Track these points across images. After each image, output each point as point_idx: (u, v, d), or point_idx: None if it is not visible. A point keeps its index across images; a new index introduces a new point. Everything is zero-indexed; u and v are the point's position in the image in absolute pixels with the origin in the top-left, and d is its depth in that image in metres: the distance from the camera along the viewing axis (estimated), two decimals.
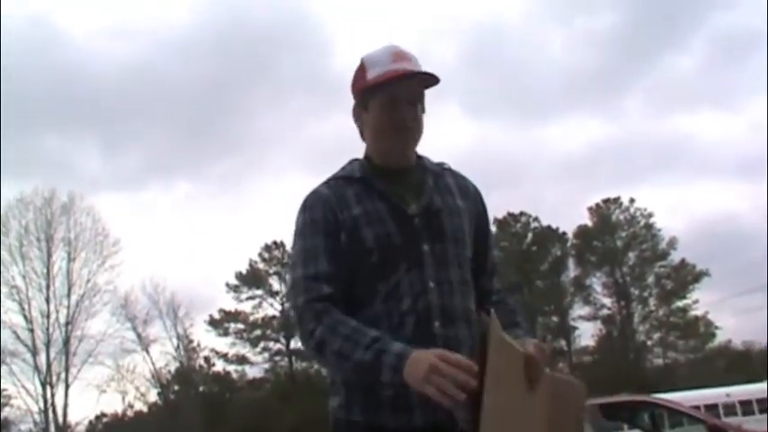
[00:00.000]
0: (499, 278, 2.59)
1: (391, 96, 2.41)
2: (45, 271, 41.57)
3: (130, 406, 47.78)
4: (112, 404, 62.15)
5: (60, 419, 40.85)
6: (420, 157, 2.54)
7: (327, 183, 2.47)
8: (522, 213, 52.82)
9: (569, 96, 66.43)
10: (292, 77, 63.86)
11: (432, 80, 2.42)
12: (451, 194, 2.48)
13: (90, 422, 48.02)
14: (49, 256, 41.77)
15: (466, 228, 2.45)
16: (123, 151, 63.36)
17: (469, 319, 2.36)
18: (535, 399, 2.19)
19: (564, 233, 53.58)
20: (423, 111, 2.47)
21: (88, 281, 42.05)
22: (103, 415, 48.92)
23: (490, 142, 65.12)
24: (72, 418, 43.11)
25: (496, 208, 57.47)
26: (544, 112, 69.20)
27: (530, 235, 53.22)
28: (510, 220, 52.07)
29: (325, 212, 2.39)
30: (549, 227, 53.29)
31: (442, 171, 2.54)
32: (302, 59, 63.40)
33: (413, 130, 2.44)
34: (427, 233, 2.37)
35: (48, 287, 41.44)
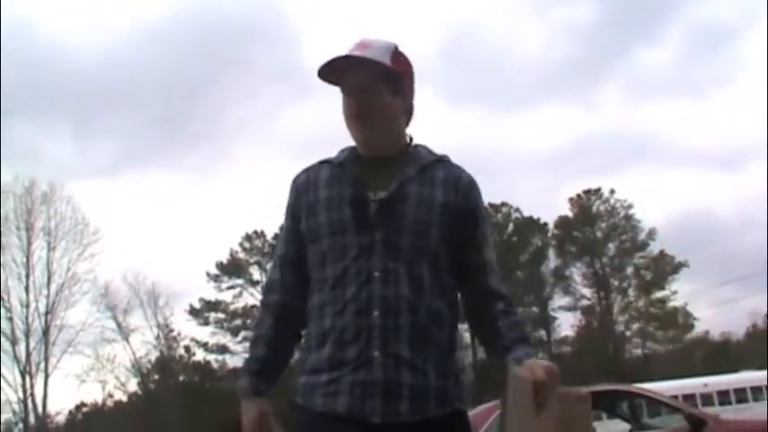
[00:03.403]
0: (498, 279, 2.46)
1: (345, 85, 2.46)
2: (25, 260, 41.36)
3: (110, 395, 47.64)
4: (92, 394, 62.07)
5: (40, 409, 40.72)
6: (416, 146, 2.52)
7: (311, 165, 2.55)
8: (503, 204, 52.87)
9: (548, 87, 66.81)
10: (265, 68, 63.80)
11: (373, 63, 2.40)
12: (432, 186, 2.41)
13: (70, 412, 48.06)
14: (29, 245, 41.58)
15: (435, 220, 2.36)
16: (100, 141, 63.15)
17: (415, 309, 2.30)
18: (543, 422, 2.11)
19: (545, 223, 53.77)
20: (390, 96, 2.45)
21: (68, 270, 41.89)
22: (83, 405, 48.91)
23: (470, 133, 65.08)
24: (52, 407, 43.10)
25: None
26: (523, 103, 69.75)
27: (510, 225, 53.27)
28: (491, 210, 52.05)
29: (293, 197, 2.52)
30: (530, 217, 53.42)
31: (433, 163, 2.47)
32: (275, 50, 63.30)
33: (365, 116, 2.43)
34: (384, 221, 2.34)
35: (27, 276, 41.25)
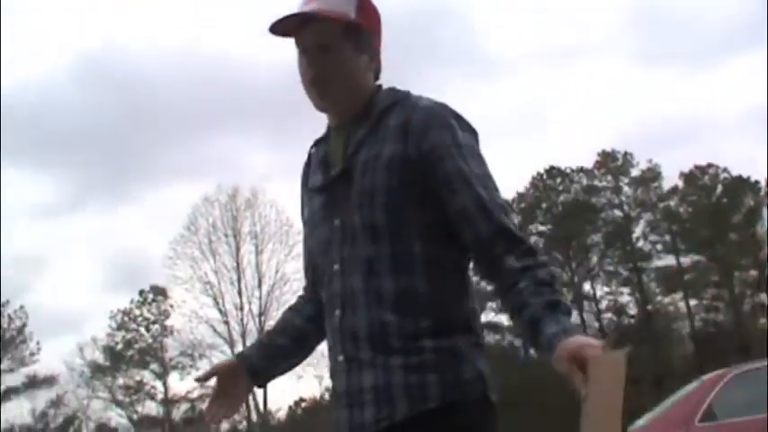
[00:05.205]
0: (492, 222, 1.93)
1: (301, 46, 2.09)
2: (235, 265, 42.80)
3: (328, 390, 48.70)
4: (310, 389, 63.80)
5: (261, 406, 42.11)
6: (377, 95, 2.12)
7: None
8: (709, 165, 50.46)
9: (747, 38, 63.25)
10: (448, 56, 63.09)
11: (332, 17, 2.03)
12: (383, 140, 2.01)
13: (290, 408, 49.39)
14: (238, 250, 42.97)
15: (381, 184, 1.96)
16: (295, 143, 64.53)
17: (370, 302, 1.95)
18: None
19: (757, 182, 50.88)
20: (353, 52, 2.07)
21: (277, 271, 42.99)
22: (302, 400, 50.12)
23: (667, 95, 62.60)
24: (272, 404, 44.42)
25: (683, 161, 55.12)
26: (721, 57, 66.19)
27: (719, 187, 50.85)
28: (697, 173, 49.91)
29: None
30: (739, 177, 50.77)
31: (386, 109, 2.06)
32: (454, 36, 62.57)
33: (323, 81, 2.05)
34: (341, 202, 2.02)
35: (239, 280, 42.69)
